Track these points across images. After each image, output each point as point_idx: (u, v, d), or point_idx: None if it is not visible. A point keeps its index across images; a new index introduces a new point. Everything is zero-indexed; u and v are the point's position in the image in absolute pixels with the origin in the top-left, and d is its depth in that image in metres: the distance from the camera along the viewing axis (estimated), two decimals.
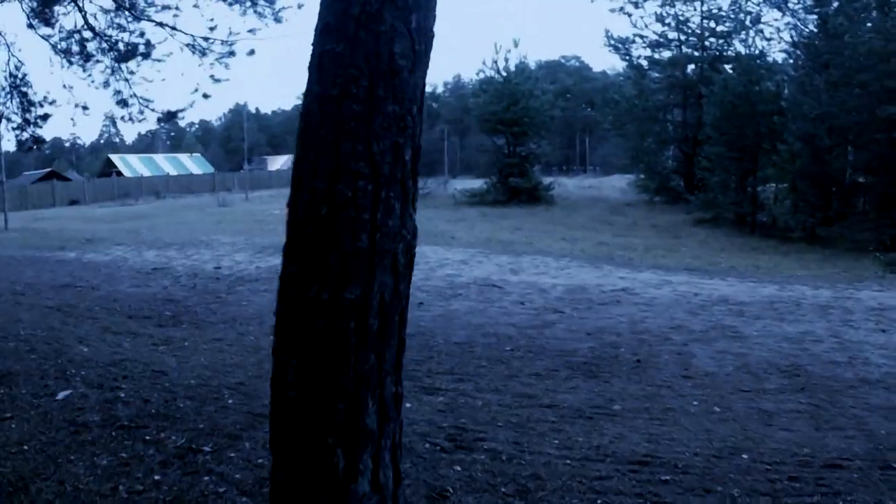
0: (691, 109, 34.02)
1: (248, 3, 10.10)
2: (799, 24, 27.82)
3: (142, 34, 10.07)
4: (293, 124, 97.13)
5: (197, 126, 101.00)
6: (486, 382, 5.75)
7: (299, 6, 10.21)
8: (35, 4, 9.30)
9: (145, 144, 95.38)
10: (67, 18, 9.79)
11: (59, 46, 9.68)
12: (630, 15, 34.93)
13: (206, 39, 10.26)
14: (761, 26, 32.56)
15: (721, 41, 34.13)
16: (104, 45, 9.74)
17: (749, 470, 3.83)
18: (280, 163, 72.30)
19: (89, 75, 9.93)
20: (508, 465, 3.84)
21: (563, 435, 4.39)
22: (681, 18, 34.36)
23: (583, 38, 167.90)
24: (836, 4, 25.01)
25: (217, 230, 21.21)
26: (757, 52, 29.46)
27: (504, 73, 33.71)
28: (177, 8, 9.88)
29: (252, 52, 10.61)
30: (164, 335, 7.72)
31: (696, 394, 5.36)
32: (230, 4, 10.09)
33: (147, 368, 6.06)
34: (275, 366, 2.62)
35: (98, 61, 9.81)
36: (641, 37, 35.29)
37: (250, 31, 10.28)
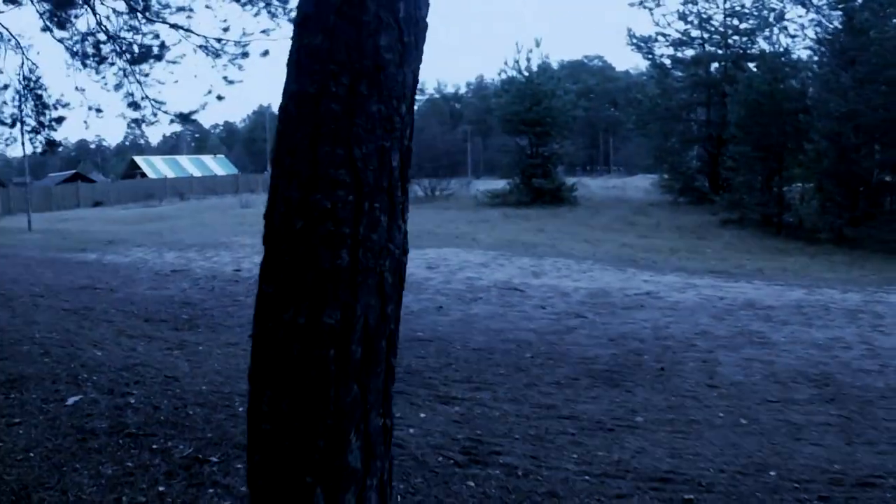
0: (715, 108, 33.53)
1: (262, 4, 10.03)
2: (823, 20, 27.25)
3: (156, 36, 10.06)
4: None
5: (221, 128, 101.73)
6: (504, 391, 5.59)
7: None
8: (50, 7, 9.29)
9: (170, 146, 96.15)
10: (81, 21, 9.79)
11: (74, 49, 9.67)
12: (651, 10, 34.53)
13: (218, 41, 10.22)
14: (785, 23, 31.89)
15: (744, 39, 33.59)
16: (118, 47, 9.72)
17: (777, 488, 3.65)
18: None
19: (103, 78, 9.93)
20: (524, 482, 3.68)
21: (582, 448, 4.23)
22: (703, 16, 33.87)
23: (605, 38, 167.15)
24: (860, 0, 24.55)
25: (238, 231, 21.19)
26: (781, 49, 29.02)
27: (526, 73, 33.48)
28: (190, 9, 9.84)
29: (266, 53, 10.54)
30: (179, 339, 7.64)
31: (722, 404, 5.16)
32: (243, 5, 10.03)
33: (159, 374, 5.98)
34: (250, 394, 2.41)
35: (112, 63, 9.80)
36: (664, 35, 34.86)
37: (263, 31, 10.22)
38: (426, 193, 35.64)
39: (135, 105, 10.25)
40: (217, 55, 10.19)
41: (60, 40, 9.60)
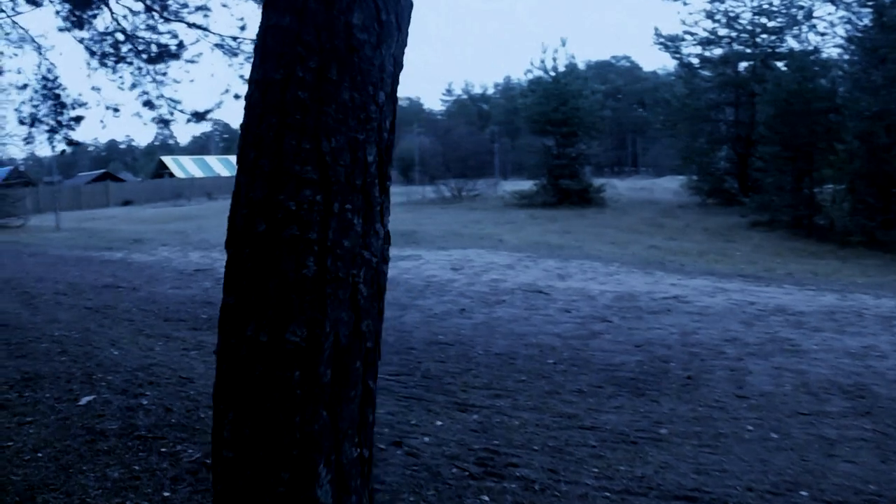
0: (744, 108, 33.07)
1: None
2: (853, 17, 26.69)
3: (175, 35, 10.01)
4: None
5: None
6: (524, 399, 5.42)
7: None
8: (69, 7, 9.28)
9: (199, 146, 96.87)
10: (99, 20, 9.77)
11: (93, 49, 9.66)
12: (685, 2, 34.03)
13: (234, 39, 10.15)
14: (814, 21, 31.39)
15: (773, 37, 33.05)
16: (136, 46, 9.69)
17: None
18: None
19: (120, 77, 9.91)
20: (541, 497, 3.52)
21: (603, 462, 4.05)
22: (731, 14, 33.35)
23: (633, 38, 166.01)
24: None
25: None
26: (810, 47, 28.53)
27: (552, 73, 33.25)
28: (207, 8, 9.78)
29: None
30: (197, 339, 7.56)
31: (751, 417, 4.95)
32: (259, 3, 9.93)
33: (174, 374, 5.92)
34: (214, 416, 2.18)
35: (130, 63, 9.78)
36: (691, 34, 34.44)
37: None
38: (452, 194, 35.53)
39: (150, 104, 10.23)
40: (234, 54, 10.11)
41: (81, 40, 9.61)
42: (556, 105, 32.37)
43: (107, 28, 9.60)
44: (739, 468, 3.98)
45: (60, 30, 9.29)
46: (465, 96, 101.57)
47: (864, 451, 4.32)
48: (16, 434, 4.56)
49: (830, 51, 32.15)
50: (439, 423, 4.82)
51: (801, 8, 31.56)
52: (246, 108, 2.10)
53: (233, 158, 69.23)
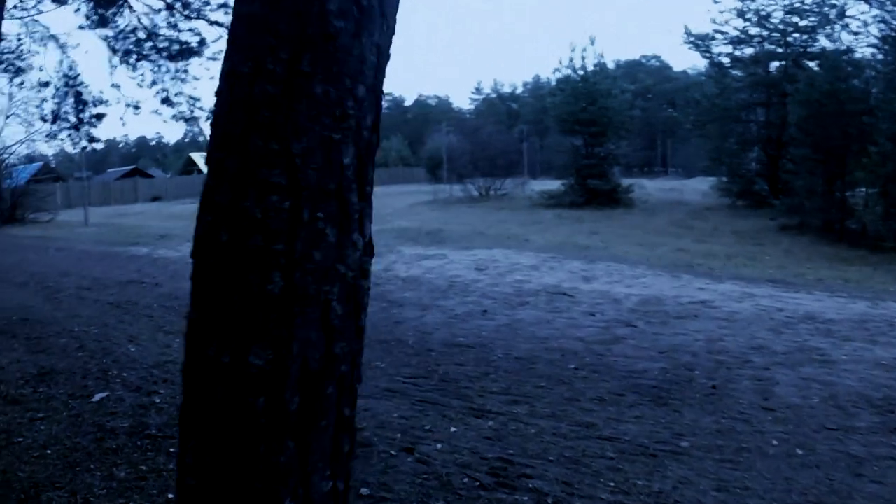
0: (775, 109, 32.46)
1: None
2: (887, 16, 26.14)
3: (196, 33, 9.99)
4: None
5: None
6: (542, 406, 5.29)
7: None
8: (92, 5, 9.30)
9: None
10: (121, 18, 9.78)
11: (115, 46, 9.68)
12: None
13: None
14: (847, 20, 30.73)
15: (805, 37, 32.36)
16: (157, 44, 9.70)
17: None
18: None
19: (141, 75, 9.92)
20: None
21: (620, 476, 3.92)
22: (762, 13, 32.75)
23: (664, 38, 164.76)
24: None
25: None
26: (843, 47, 27.95)
27: (581, 72, 32.98)
28: (228, 6, 9.74)
29: None
30: None
31: (777, 431, 4.77)
32: None
33: None
34: (179, 440, 2.02)
35: (151, 60, 9.79)
36: (722, 33, 33.88)
37: None
38: (480, 193, 35.40)
39: (168, 101, 10.24)
40: None
41: (104, 38, 9.63)
42: (585, 104, 32.09)
43: (128, 26, 9.62)
44: (762, 486, 3.82)
45: (81, 28, 9.34)
46: (494, 95, 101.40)
47: (893, 470, 4.14)
48: (27, 430, 4.56)
49: (864, 51, 31.32)
50: (453, 429, 4.72)
51: (834, 6, 30.91)
52: (216, 105, 1.95)
53: None
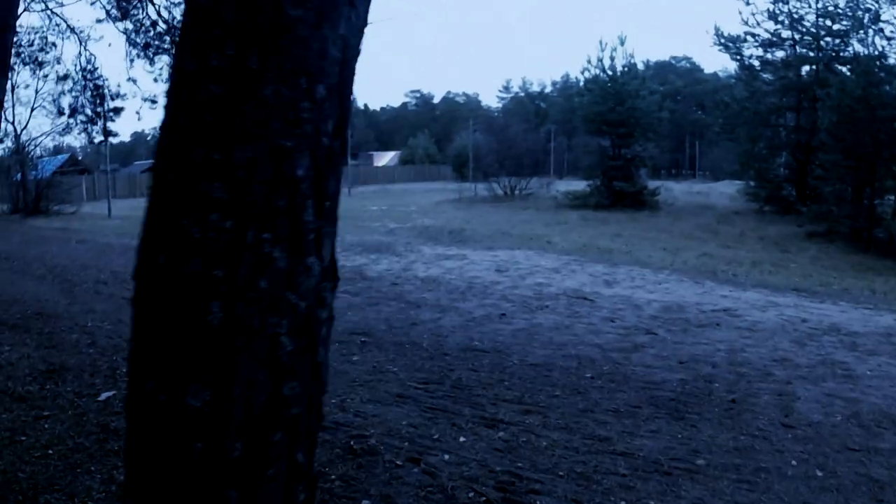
0: (805, 114, 31.95)
1: None
2: None
3: None
4: (399, 121, 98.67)
5: None
6: (556, 417, 5.15)
7: None
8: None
9: None
10: (141, 11, 9.75)
11: (134, 40, 9.64)
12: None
13: None
14: (881, 24, 30.18)
15: (837, 41, 31.82)
16: (176, 37, 9.67)
17: None
18: (387, 159, 73.52)
19: (160, 69, 9.88)
20: None
21: (632, 494, 3.77)
22: (795, 16, 32.26)
23: (694, 39, 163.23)
24: None
25: None
26: (876, 52, 27.39)
27: (610, 72, 32.68)
28: None
29: None
30: None
31: (796, 450, 4.60)
32: None
33: None
34: (125, 475, 1.83)
35: (172, 54, 9.75)
36: (753, 35, 33.43)
37: None
38: (505, 192, 35.25)
39: None
40: None
41: (124, 31, 9.60)
42: (613, 105, 31.81)
43: (147, 18, 9.58)
44: None
45: (99, 21, 9.31)
46: (522, 94, 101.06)
47: None
48: (30, 428, 4.50)
49: None
50: (462, 439, 4.59)
51: (868, 10, 30.38)
52: (164, 108, 1.75)
53: None
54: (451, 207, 30.31)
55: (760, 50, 33.93)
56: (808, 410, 5.45)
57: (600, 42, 45.49)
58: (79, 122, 10.24)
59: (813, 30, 32.09)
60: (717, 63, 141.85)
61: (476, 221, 23.40)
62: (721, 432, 4.90)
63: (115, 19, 9.35)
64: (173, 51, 10.14)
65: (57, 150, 36.08)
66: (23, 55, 10.41)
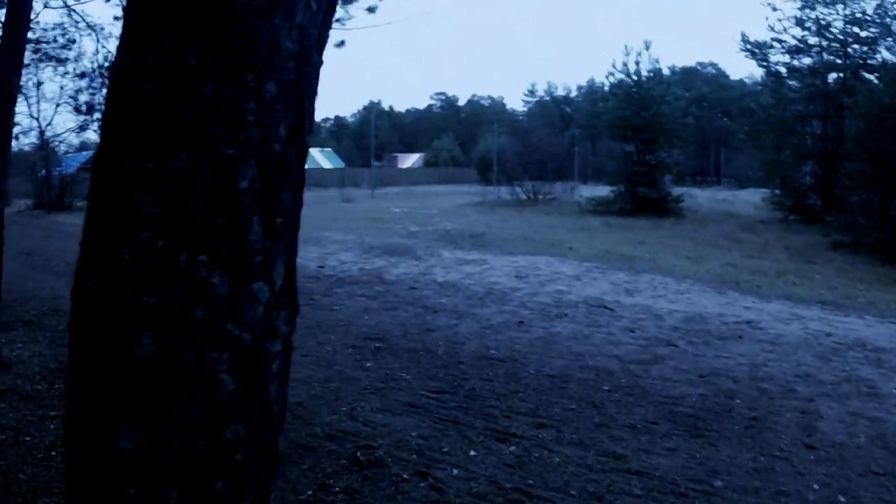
0: (832, 122, 31.45)
1: None
2: None
3: None
4: (424, 123, 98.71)
5: (332, 121, 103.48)
6: (570, 432, 5.02)
7: None
8: None
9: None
10: None
11: None
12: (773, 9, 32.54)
13: None
14: None
15: (865, 48, 31.30)
16: None
17: None
18: (411, 161, 73.58)
19: None
20: None
21: None
22: (822, 23, 31.81)
23: (720, 45, 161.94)
24: None
25: (331, 226, 21.12)
26: None
27: (635, 77, 32.42)
28: None
29: (342, 44, 10.16)
30: None
31: (819, 472, 4.44)
32: None
33: None
34: None
35: None
36: (780, 41, 33.04)
37: (337, 20, 9.89)
38: (528, 196, 35.07)
39: None
40: None
41: None
42: (638, 110, 31.55)
43: None
44: None
45: (117, 18, 9.27)
46: (547, 97, 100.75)
47: None
48: (35, 429, 4.45)
49: None
50: (473, 452, 4.48)
51: None
52: (103, 110, 1.56)
53: (313, 151, 70.05)
54: (473, 211, 30.17)
55: (787, 56, 33.54)
56: (832, 430, 5.28)
57: (625, 47, 45.04)
58: (95, 119, 10.21)
59: (840, 37, 31.62)
60: (744, 69, 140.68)
61: (498, 226, 23.26)
62: (741, 452, 4.75)
63: None
64: None
65: (82, 146, 36.30)
66: (41, 52, 10.40)
